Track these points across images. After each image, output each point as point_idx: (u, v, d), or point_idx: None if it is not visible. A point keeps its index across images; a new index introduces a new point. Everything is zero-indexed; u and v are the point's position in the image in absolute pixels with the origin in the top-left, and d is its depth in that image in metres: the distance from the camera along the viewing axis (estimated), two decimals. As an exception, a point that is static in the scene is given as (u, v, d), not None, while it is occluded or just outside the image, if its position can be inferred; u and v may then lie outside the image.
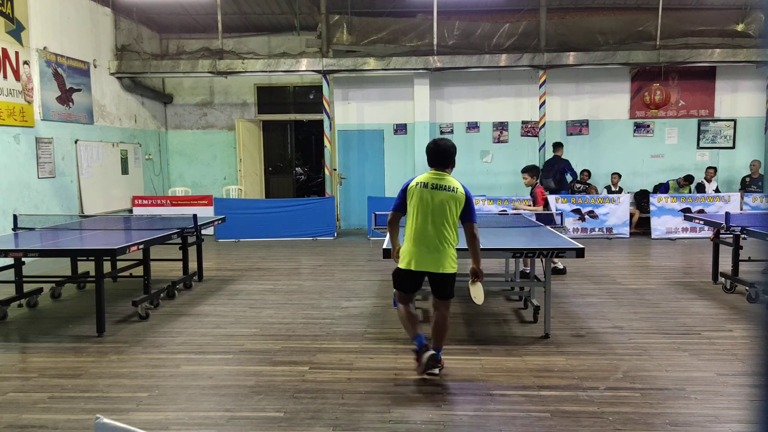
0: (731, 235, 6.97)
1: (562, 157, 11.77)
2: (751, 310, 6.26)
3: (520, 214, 7.97)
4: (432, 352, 4.42)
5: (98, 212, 10.53)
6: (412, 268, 4.39)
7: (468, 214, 4.41)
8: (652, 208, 11.51)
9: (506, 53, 11.64)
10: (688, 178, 12.01)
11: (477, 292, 4.51)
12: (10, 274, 6.37)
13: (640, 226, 11.85)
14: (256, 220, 11.57)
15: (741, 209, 11.05)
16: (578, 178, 12.04)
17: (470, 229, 4.42)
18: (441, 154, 4.47)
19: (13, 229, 7.02)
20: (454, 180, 4.45)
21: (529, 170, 7.85)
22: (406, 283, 4.52)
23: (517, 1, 12.17)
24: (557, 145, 11.82)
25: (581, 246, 5.22)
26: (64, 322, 6.12)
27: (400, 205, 4.51)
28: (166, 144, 14.05)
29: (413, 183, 4.47)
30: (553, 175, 11.68)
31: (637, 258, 9.69)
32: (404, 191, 4.49)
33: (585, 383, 4.33)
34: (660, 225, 11.43)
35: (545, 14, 11.69)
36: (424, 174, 4.54)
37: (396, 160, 13.15)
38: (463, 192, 4.39)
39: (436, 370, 4.47)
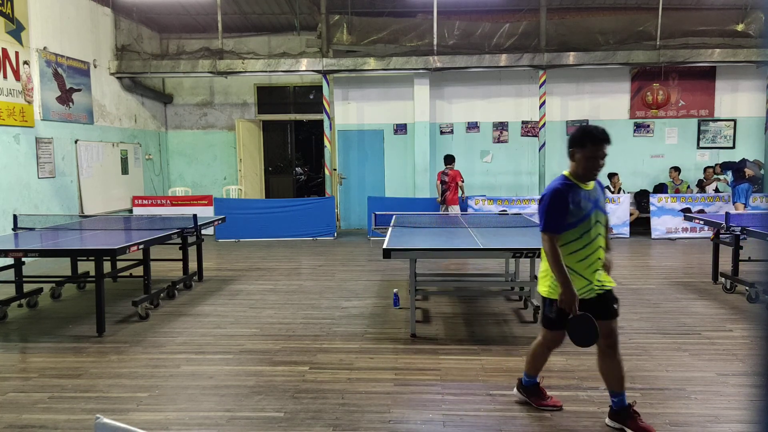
0: (731, 235, 6.97)
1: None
2: (751, 310, 6.26)
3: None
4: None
5: (98, 212, 10.54)
6: None
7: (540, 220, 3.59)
8: (652, 208, 11.51)
9: (506, 53, 11.64)
10: (676, 169, 12.08)
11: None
12: (10, 274, 6.37)
13: (640, 225, 11.84)
14: (256, 220, 11.57)
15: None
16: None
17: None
18: None
19: (13, 229, 7.03)
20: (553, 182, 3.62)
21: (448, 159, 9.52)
22: None
23: (517, 1, 12.17)
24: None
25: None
26: (64, 322, 6.12)
27: None
28: (166, 144, 14.06)
29: None
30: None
31: (637, 258, 9.69)
32: None
33: (585, 383, 4.33)
34: (660, 225, 11.43)
35: (545, 14, 11.69)
36: None
37: (396, 160, 13.15)
38: (541, 196, 3.61)
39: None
